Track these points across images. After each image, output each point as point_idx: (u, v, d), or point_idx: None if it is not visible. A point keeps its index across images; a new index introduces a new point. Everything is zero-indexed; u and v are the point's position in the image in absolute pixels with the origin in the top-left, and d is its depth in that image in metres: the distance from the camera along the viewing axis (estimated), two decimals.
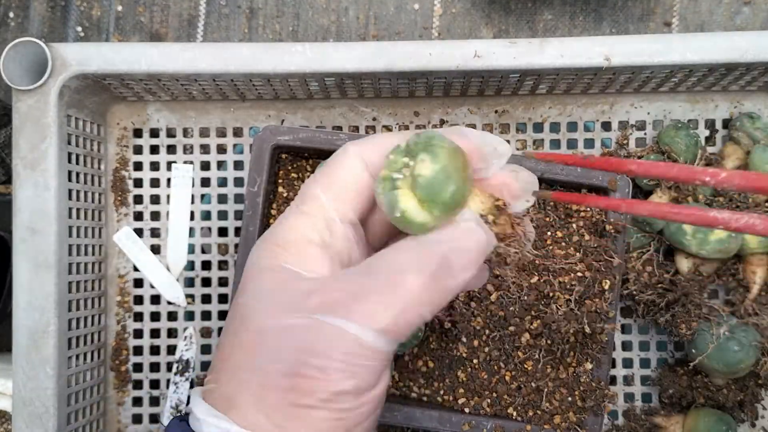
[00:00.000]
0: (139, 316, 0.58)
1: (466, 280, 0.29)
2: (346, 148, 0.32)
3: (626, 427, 0.56)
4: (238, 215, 0.58)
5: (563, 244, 0.50)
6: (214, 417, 0.29)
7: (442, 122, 0.58)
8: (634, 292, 0.53)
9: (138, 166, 0.59)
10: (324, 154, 0.51)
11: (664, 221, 0.52)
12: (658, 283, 0.52)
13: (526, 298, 0.49)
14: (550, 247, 0.50)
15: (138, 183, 0.59)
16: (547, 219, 0.51)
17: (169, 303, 0.58)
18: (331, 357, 0.27)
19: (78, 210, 0.54)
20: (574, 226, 0.51)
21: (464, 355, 0.51)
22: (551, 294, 0.49)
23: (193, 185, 0.58)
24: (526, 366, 0.50)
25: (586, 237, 0.50)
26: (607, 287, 0.49)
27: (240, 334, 0.30)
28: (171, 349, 0.58)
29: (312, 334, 0.28)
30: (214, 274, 0.58)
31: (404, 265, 0.28)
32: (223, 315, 0.58)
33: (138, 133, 0.59)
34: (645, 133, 0.57)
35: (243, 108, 0.58)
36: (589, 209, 0.51)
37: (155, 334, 0.58)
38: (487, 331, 0.50)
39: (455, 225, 0.29)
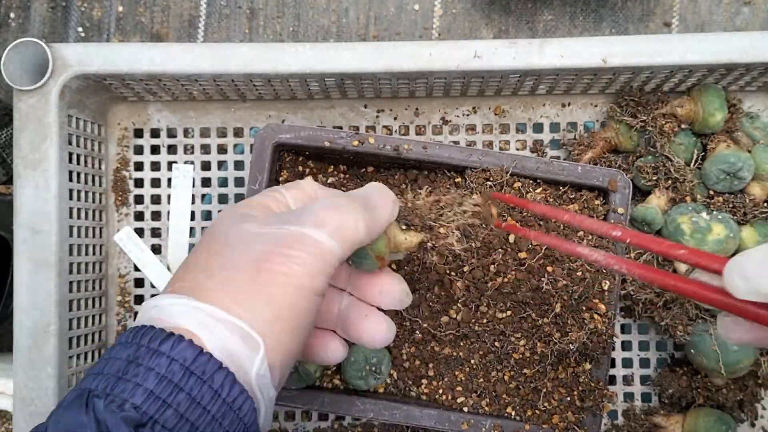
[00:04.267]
0: None
1: (383, 217, 0.38)
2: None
3: (626, 427, 0.56)
4: None
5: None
6: (177, 297, 0.33)
7: (443, 122, 0.58)
8: (632, 293, 0.53)
9: (139, 166, 0.59)
10: (325, 153, 0.52)
11: (663, 221, 0.52)
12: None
13: (525, 298, 0.49)
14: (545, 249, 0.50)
15: (139, 183, 0.59)
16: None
17: None
18: (293, 249, 0.34)
19: (79, 210, 0.54)
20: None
21: (462, 356, 0.51)
22: (551, 294, 0.49)
23: (193, 185, 0.59)
24: (524, 367, 0.50)
25: (586, 237, 0.50)
26: (606, 288, 0.49)
27: (209, 245, 0.36)
28: None
29: (278, 237, 0.34)
30: None
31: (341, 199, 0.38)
32: None
33: (139, 133, 0.59)
34: None
35: (243, 108, 0.59)
36: (587, 210, 0.51)
37: None
38: (486, 333, 0.50)
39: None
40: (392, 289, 0.42)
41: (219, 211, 0.39)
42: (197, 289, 0.33)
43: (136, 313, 0.58)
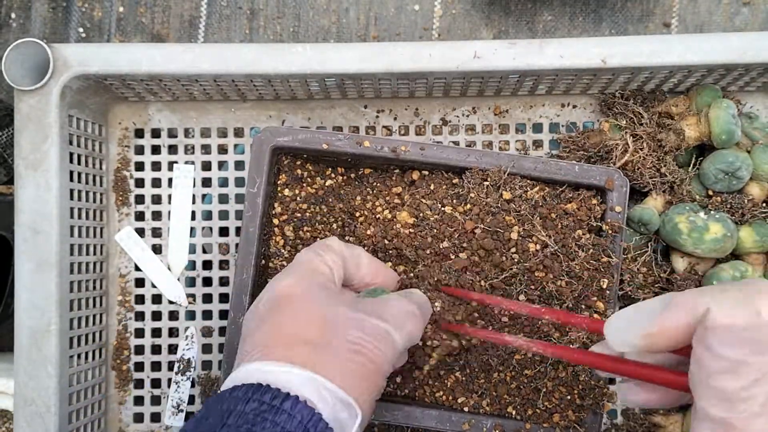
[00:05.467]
0: (140, 316, 0.59)
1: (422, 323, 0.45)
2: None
3: (625, 426, 0.56)
4: (239, 215, 0.58)
5: (561, 245, 0.50)
6: (291, 367, 0.37)
7: (443, 122, 0.58)
8: (630, 293, 0.53)
9: (139, 166, 0.59)
10: (323, 155, 0.52)
11: (660, 222, 0.53)
12: (654, 283, 0.52)
13: (524, 297, 0.49)
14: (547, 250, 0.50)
15: (139, 183, 0.59)
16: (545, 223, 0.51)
17: (171, 302, 0.58)
18: (381, 343, 0.40)
19: (79, 210, 0.54)
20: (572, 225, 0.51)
21: (465, 359, 0.51)
22: (550, 294, 0.49)
23: (194, 185, 0.59)
24: (525, 367, 0.50)
25: (584, 236, 0.50)
26: (605, 286, 0.49)
27: (301, 315, 0.40)
28: (172, 349, 0.59)
29: (370, 329, 0.40)
30: (215, 273, 0.59)
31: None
32: (224, 314, 0.58)
33: (139, 133, 0.59)
34: None
35: (244, 108, 0.59)
36: (584, 208, 0.51)
37: (156, 333, 0.58)
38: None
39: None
40: None
41: (287, 270, 0.44)
42: (308, 362, 0.38)
43: (136, 313, 0.58)
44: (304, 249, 0.45)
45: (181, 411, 0.57)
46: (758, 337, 0.28)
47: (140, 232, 0.59)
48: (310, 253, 0.44)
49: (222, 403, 0.36)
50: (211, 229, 0.59)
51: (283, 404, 0.35)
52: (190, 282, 0.59)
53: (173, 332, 0.59)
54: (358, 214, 0.53)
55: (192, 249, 0.59)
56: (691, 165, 0.54)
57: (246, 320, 0.42)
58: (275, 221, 0.53)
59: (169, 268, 0.58)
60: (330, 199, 0.54)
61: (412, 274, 0.51)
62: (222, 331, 0.58)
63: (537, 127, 0.58)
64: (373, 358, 0.39)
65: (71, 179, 0.53)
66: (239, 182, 0.59)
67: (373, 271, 0.47)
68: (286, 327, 0.40)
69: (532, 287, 0.50)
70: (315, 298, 0.41)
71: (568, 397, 0.50)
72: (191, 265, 0.59)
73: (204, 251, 0.59)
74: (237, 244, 0.58)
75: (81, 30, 0.62)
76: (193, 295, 0.59)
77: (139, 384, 0.58)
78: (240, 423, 0.35)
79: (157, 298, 0.59)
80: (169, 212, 0.59)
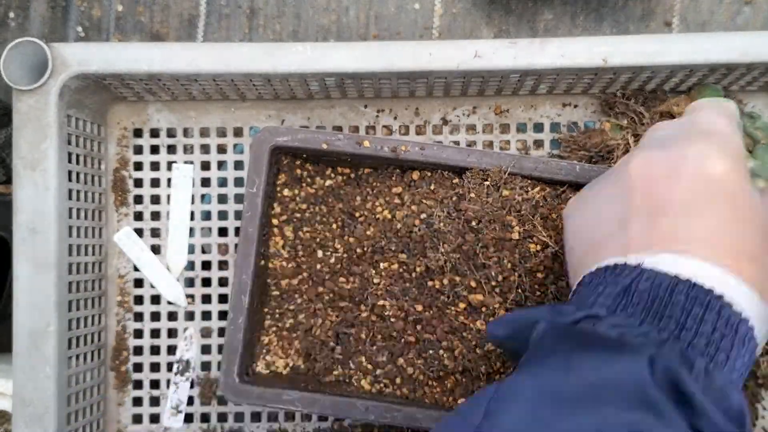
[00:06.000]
0: (139, 316, 0.58)
1: None
2: None
3: None
4: (239, 215, 0.58)
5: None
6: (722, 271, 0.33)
7: (443, 122, 0.58)
8: None
9: (138, 166, 0.59)
10: (323, 155, 0.51)
11: None
12: None
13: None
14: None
15: (138, 183, 0.59)
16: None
17: (170, 303, 0.58)
18: None
19: (78, 210, 0.54)
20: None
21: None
22: (554, 293, 0.49)
23: (193, 185, 0.58)
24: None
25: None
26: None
27: (744, 218, 0.35)
28: (171, 350, 0.58)
29: None
30: (215, 274, 0.58)
31: None
32: (223, 315, 0.58)
33: (138, 133, 0.59)
34: None
35: (243, 108, 0.58)
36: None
37: (155, 334, 0.58)
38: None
39: None
40: None
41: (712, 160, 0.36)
42: (758, 285, 0.34)
43: (135, 314, 0.58)
44: (704, 112, 0.41)
45: (180, 412, 0.57)
46: None
47: (139, 232, 0.58)
48: (723, 119, 0.39)
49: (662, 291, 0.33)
50: (210, 229, 0.59)
51: (740, 327, 0.32)
52: (189, 282, 0.59)
53: (172, 333, 0.58)
54: (358, 215, 0.53)
55: (191, 249, 0.59)
56: None
57: (657, 191, 0.36)
58: (274, 221, 0.53)
59: (168, 269, 0.58)
60: (330, 199, 0.53)
61: (412, 273, 0.51)
62: (221, 331, 0.58)
63: (538, 127, 0.58)
64: None
65: (70, 179, 0.53)
66: (239, 182, 0.58)
67: None
68: (731, 228, 0.34)
69: (536, 286, 0.49)
70: (752, 196, 0.36)
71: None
72: (190, 266, 0.58)
73: (203, 251, 0.59)
74: (236, 245, 0.58)
75: (80, 29, 0.62)
76: (192, 296, 0.58)
77: (138, 385, 0.58)
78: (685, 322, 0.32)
79: (156, 299, 0.58)
80: (168, 212, 0.58)
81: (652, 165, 0.37)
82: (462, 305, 0.50)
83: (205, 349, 0.58)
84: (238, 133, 0.59)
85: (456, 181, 0.51)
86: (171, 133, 0.59)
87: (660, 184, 0.36)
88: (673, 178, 0.36)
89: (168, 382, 0.58)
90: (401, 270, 0.51)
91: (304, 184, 0.54)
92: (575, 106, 0.58)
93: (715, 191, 0.35)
